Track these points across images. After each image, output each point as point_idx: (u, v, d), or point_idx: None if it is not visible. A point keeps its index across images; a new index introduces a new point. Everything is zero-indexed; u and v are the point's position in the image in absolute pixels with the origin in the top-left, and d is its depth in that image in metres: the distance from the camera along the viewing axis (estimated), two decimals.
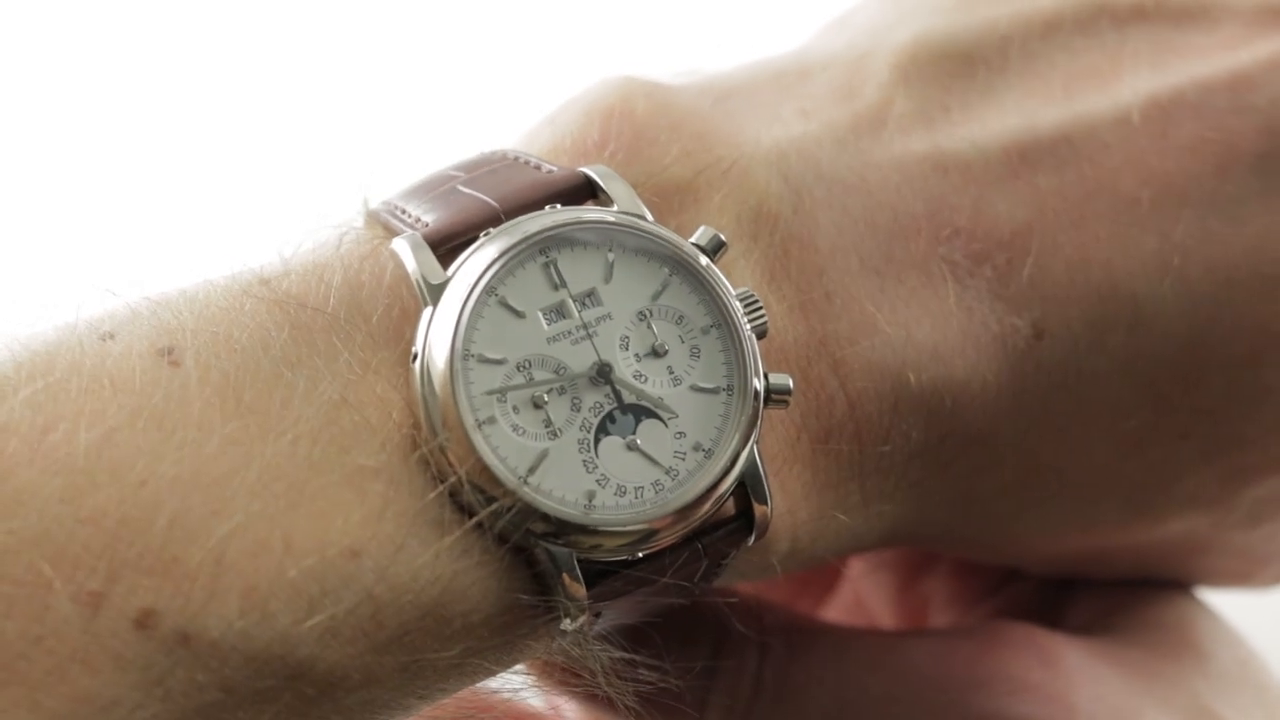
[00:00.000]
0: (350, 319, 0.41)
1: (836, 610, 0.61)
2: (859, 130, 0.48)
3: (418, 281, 0.42)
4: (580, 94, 0.48)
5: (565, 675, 0.46)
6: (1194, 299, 0.47)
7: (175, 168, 1.12)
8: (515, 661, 0.43)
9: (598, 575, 0.41)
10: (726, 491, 0.42)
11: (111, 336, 0.40)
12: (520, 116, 0.50)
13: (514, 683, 0.46)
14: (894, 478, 0.46)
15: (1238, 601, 0.58)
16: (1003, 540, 0.53)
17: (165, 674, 0.36)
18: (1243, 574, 0.56)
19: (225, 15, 1.17)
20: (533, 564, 0.41)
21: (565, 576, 0.40)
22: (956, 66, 0.49)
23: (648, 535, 0.41)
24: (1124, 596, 0.54)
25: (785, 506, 0.44)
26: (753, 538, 0.43)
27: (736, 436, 0.42)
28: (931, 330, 0.46)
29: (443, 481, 0.40)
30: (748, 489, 0.43)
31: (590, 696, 0.48)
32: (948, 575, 0.58)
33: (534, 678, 0.48)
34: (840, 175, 0.47)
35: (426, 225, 0.43)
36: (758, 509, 0.43)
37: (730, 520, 0.43)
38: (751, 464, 0.42)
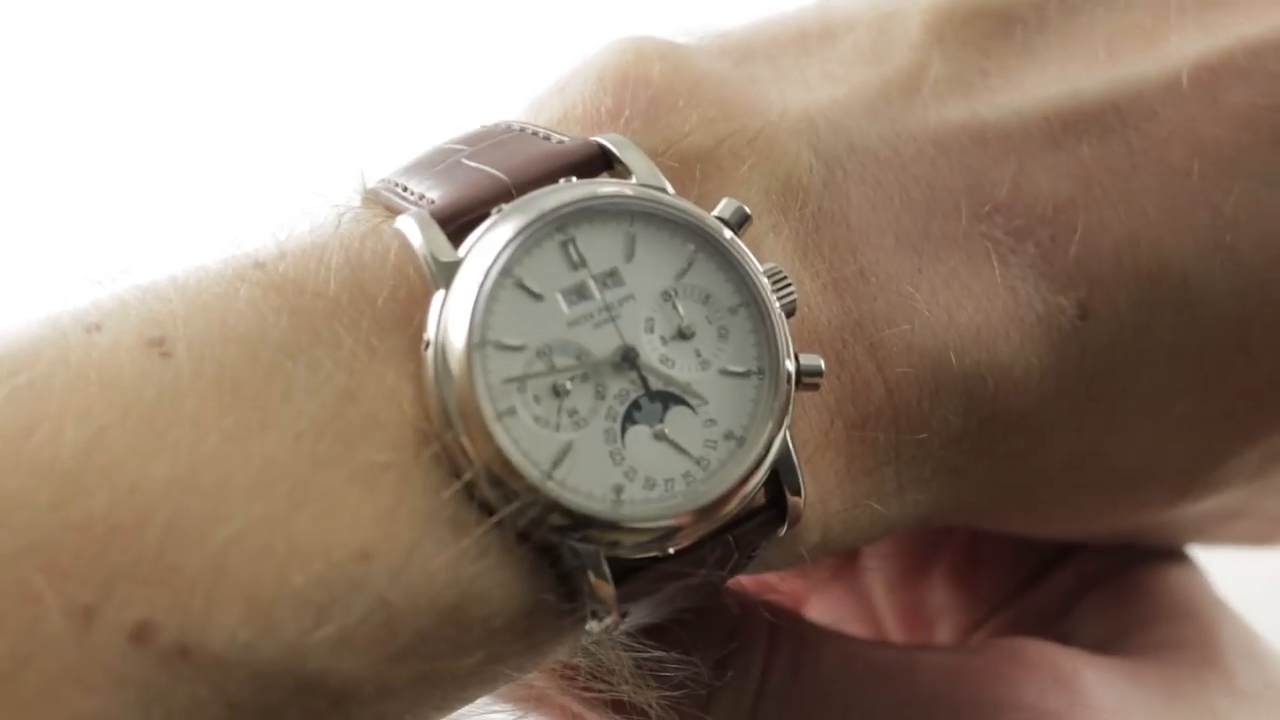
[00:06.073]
0: (354, 303, 0.39)
1: (838, 602, 0.58)
2: (890, 97, 0.45)
3: (427, 262, 0.39)
4: (590, 59, 0.46)
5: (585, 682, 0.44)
6: (1245, 277, 0.45)
7: (163, 152, 1.09)
8: (537, 666, 0.41)
9: (626, 572, 0.38)
10: (759, 482, 0.39)
11: (98, 328, 0.37)
12: (522, 88, 0.48)
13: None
14: (931, 464, 0.44)
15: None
16: (1040, 522, 0.51)
17: (165, 691, 0.34)
18: (1268, 535, 0.55)
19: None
20: (556, 563, 0.38)
21: (591, 575, 0.38)
22: (993, 25, 0.46)
23: (678, 530, 0.38)
24: (1144, 611, 0.52)
25: (817, 495, 0.42)
26: (784, 528, 0.41)
27: (770, 423, 0.39)
28: (974, 312, 0.43)
29: (458, 477, 0.37)
30: (780, 477, 0.40)
31: (607, 704, 0.45)
32: (952, 577, 0.56)
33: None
34: (872, 147, 0.44)
35: (432, 202, 0.40)
36: (790, 499, 0.40)
37: (761, 510, 0.40)
38: (784, 451, 0.40)
